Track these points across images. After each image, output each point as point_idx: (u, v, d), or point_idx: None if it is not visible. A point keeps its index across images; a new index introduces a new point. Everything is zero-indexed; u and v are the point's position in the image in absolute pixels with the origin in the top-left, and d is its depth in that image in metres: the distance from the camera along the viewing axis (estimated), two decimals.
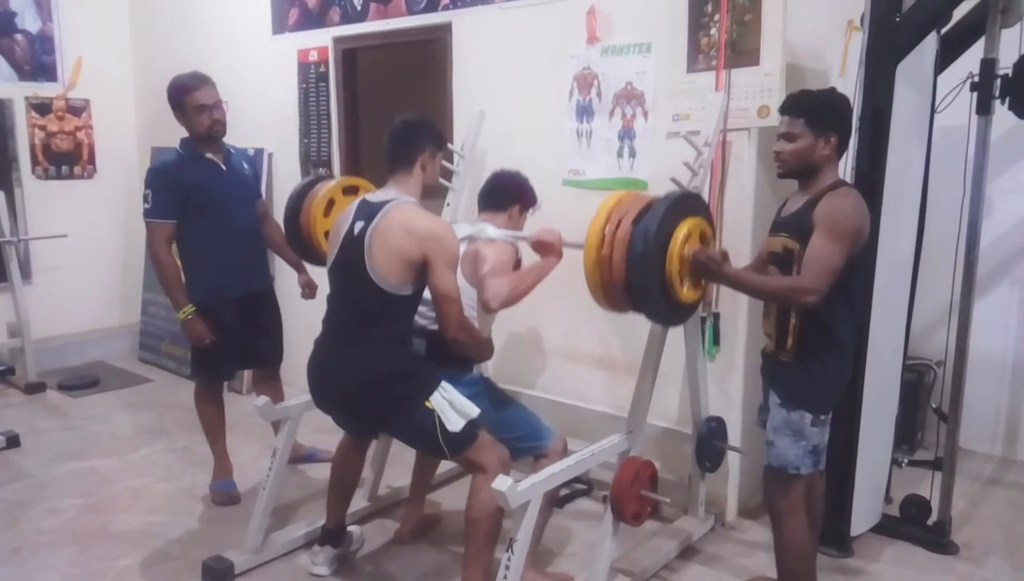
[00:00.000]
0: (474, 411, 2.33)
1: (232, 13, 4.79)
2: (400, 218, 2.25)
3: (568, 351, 3.53)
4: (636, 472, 2.45)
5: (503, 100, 3.57)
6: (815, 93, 2.23)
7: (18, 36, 5.04)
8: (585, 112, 3.32)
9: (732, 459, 3.04)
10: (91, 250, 5.45)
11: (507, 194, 2.75)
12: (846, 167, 2.56)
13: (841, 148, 2.21)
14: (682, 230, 2.17)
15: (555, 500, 2.78)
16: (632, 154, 3.20)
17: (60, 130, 5.31)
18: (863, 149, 2.66)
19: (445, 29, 3.73)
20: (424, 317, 2.52)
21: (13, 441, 3.89)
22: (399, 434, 2.49)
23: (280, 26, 4.52)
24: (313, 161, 4.43)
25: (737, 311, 2.98)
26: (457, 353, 2.42)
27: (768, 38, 2.79)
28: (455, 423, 2.28)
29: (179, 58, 5.15)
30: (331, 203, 2.99)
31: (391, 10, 3.94)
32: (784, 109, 2.23)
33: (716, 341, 3.05)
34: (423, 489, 3.04)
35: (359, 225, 2.30)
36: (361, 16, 4.08)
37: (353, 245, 2.28)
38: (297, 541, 2.89)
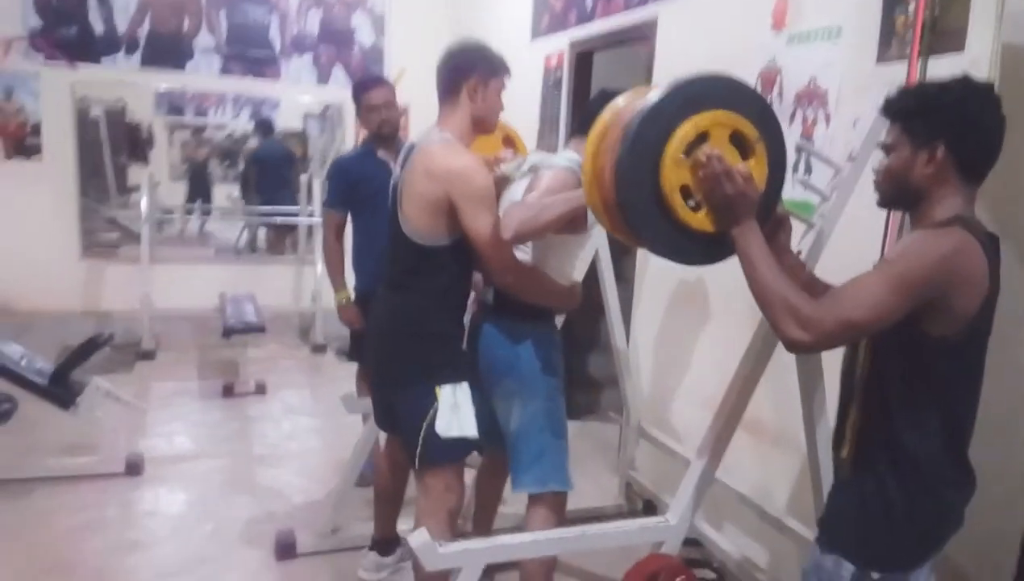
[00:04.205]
0: (470, 431, 2.03)
1: (517, 22, 4.90)
2: (422, 160, 2.00)
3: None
4: (653, 576, 1.89)
5: None
6: (921, 86, 1.47)
7: (355, 48, 5.88)
8: None
9: None
10: None
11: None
12: None
13: (966, 165, 1.40)
14: (685, 128, 1.51)
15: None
16: (808, 169, 2.48)
17: None
18: None
19: (652, 25, 3.33)
20: None
21: (261, 388, 4.57)
22: (400, 408, 2.14)
23: (536, 31, 4.52)
24: None
25: None
26: (532, 303, 2.14)
27: (979, 11, 1.91)
28: (446, 428, 2.00)
29: None
30: None
31: (613, 7, 3.66)
32: (882, 110, 1.51)
33: None
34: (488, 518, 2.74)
35: (397, 171, 2.12)
36: (591, 16, 3.86)
37: (393, 194, 2.11)
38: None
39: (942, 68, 2.00)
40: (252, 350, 5.07)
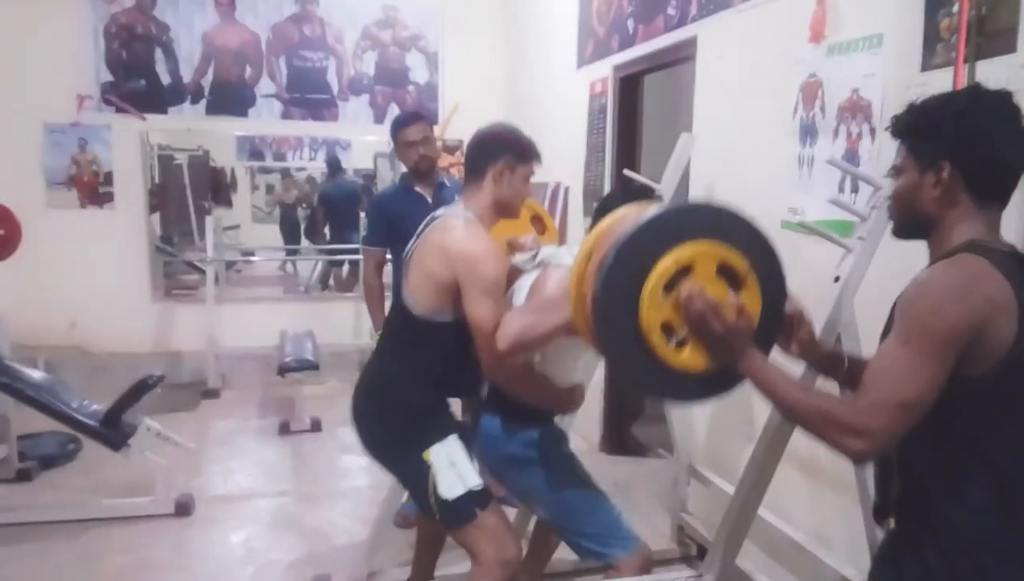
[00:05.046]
0: (474, 480, 1.95)
1: (564, 52, 4.84)
2: (438, 236, 1.99)
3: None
4: None
5: (734, 122, 2.94)
6: (926, 101, 1.32)
7: (410, 87, 5.95)
8: (808, 132, 2.51)
9: None
10: None
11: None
12: None
13: (977, 186, 1.25)
14: (664, 263, 1.38)
15: None
16: (855, 188, 2.31)
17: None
18: None
19: (691, 44, 3.22)
20: None
21: (316, 426, 4.59)
22: (395, 476, 2.16)
23: (582, 59, 4.45)
24: (593, 195, 4.25)
25: None
26: (526, 402, 2.04)
27: None
28: (450, 488, 1.93)
29: (534, 104, 5.44)
30: None
31: (653, 29, 3.56)
32: (890, 128, 1.39)
33: None
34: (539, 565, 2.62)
35: (412, 242, 2.10)
36: (632, 40, 3.78)
37: (405, 262, 2.09)
38: None
39: (993, 72, 1.83)
40: (311, 387, 5.11)
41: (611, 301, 1.41)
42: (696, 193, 3.17)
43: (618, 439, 4.22)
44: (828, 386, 1.57)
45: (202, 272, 6.55)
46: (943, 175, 1.24)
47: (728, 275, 1.42)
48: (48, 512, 3.27)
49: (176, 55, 5.41)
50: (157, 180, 6.50)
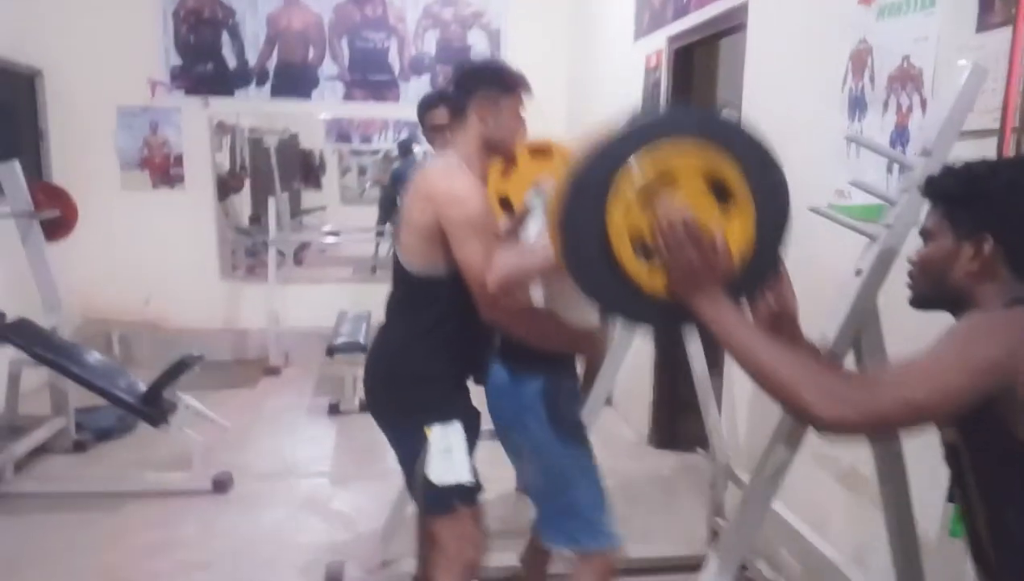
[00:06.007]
0: (465, 476, 1.84)
1: (623, 25, 4.61)
2: (421, 184, 1.86)
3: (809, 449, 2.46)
4: None
5: (782, 95, 2.68)
6: (968, 167, 1.17)
7: None
8: (858, 105, 2.25)
9: None
10: None
11: None
12: None
13: (1020, 261, 1.12)
14: (641, 158, 1.19)
15: None
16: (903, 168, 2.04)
17: None
18: None
19: (743, 11, 2.96)
20: None
21: (363, 407, 4.53)
22: (393, 447, 2.02)
23: (639, 31, 4.22)
24: None
25: None
26: (543, 350, 1.90)
27: None
28: (439, 474, 1.83)
29: (593, 80, 5.23)
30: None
31: None
32: (922, 189, 1.27)
33: None
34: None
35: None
36: (686, 9, 3.53)
37: (397, 220, 1.99)
38: None
39: None
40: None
41: (577, 201, 1.23)
42: None
43: (667, 432, 4.03)
44: None
45: (282, 254, 6.71)
46: (984, 249, 1.12)
47: (717, 191, 1.22)
48: (91, 483, 3.39)
49: (241, 38, 5.49)
50: (246, 162, 6.68)
